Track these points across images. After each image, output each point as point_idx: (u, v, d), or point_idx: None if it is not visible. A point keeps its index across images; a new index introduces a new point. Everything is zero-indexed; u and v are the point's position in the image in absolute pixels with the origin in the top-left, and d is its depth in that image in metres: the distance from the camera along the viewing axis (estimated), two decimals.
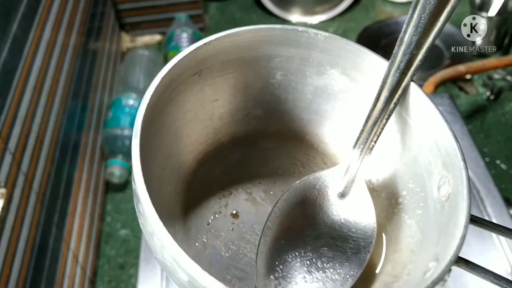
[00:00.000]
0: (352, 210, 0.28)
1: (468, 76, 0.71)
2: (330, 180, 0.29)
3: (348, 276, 0.26)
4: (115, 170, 0.61)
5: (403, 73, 0.25)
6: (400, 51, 0.25)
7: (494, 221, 0.45)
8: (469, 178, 0.23)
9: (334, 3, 0.87)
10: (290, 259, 0.27)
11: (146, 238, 0.24)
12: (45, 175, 0.44)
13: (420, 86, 0.27)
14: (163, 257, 0.21)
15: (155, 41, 0.86)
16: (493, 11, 0.74)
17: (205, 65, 0.29)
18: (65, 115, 0.51)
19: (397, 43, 0.25)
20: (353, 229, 0.28)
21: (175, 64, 0.27)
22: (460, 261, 0.22)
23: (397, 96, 0.26)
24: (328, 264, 0.27)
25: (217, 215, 0.31)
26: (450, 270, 0.21)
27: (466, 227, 0.21)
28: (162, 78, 0.26)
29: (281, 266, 0.27)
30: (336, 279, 0.26)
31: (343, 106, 0.32)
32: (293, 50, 0.30)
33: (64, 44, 0.53)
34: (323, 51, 0.30)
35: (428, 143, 0.26)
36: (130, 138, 0.63)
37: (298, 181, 0.29)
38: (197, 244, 0.30)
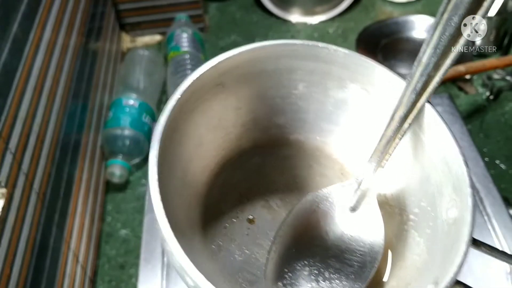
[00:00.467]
0: (362, 225, 0.29)
1: (467, 76, 0.71)
2: (342, 194, 0.30)
3: None
4: (116, 170, 0.62)
5: (419, 94, 0.25)
6: (417, 72, 0.24)
7: (494, 220, 0.45)
8: (475, 206, 0.23)
9: (334, 3, 0.87)
10: (299, 267, 0.28)
11: (161, 243, 0.25)
12: (45, 175, 0.44)
13: None
14: (173, 263, 0.22)
15: (155, 41, 0.86)
16: (492, 11, 0.74)
17: (228, 77, 0.30)
18: (65, 115, 0.51)
19: (414, 64, 0.25)
20: (361, 243, 0.28)
21: (198, 78, 0.27)
22: (459, 285, 0.22)
23: (412, 116, 0.26)
24: (334, 275, 0.27)
25: (234, 220, 0.32)
26: None
27: (465, 254, 0.22)
28: (185, 90, 0.27)
29: (290, 274, 0.27)
30: None
31: (362, 119, 0.32)
32: (314, 64, 0.31)
33: (65, 44, 0.53)
34: (343, 67, 0.30)
35: (441, 164, 0.26)
36: (130, 138, 0.63)
37: (311, 193, 0.30)
38: (213, 246, 0.30)
